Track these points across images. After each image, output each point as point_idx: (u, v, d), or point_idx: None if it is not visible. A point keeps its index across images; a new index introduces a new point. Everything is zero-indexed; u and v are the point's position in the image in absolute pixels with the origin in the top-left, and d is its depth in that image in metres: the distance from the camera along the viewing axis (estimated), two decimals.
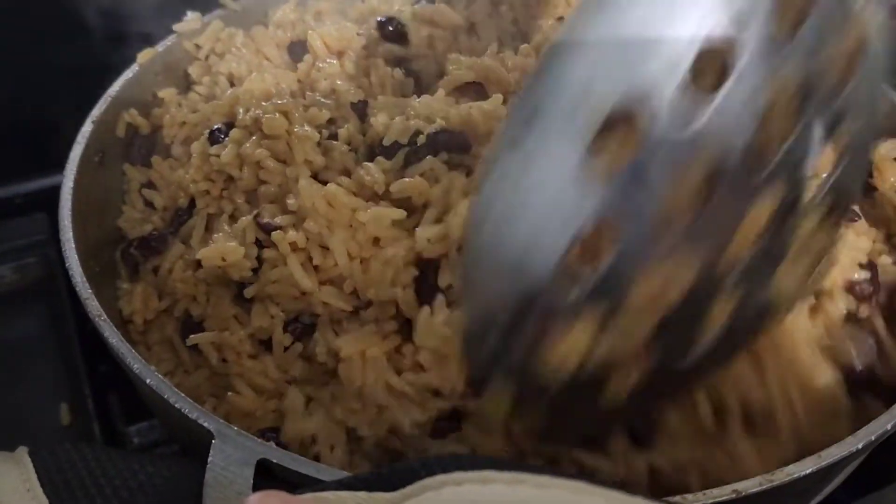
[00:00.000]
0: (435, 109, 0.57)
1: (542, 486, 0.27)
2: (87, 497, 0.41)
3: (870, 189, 0.64)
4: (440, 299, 0.51)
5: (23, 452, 0.41)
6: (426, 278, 0.52)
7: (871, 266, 0.57)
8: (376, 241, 0.53)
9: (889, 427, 0.46)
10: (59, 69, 0.83)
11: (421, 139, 0.56)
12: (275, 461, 0.43)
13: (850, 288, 0.56)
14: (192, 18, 0.73)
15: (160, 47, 0.71)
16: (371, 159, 0.57)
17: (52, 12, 0.82)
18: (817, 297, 0.55)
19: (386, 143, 0.56)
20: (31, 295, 0.81)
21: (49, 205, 0.84)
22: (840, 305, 0.55)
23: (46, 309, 0.79)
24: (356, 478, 0.35)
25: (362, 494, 0.31)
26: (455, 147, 0.56)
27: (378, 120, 0.58)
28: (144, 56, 0.69)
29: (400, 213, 0.53)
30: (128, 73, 0.68)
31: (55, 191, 0.86)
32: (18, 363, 0.74)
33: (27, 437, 0.66)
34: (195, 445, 0.46)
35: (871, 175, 0.64)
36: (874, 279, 0.57)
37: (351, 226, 0.53)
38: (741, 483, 0.43)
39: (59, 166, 0.87)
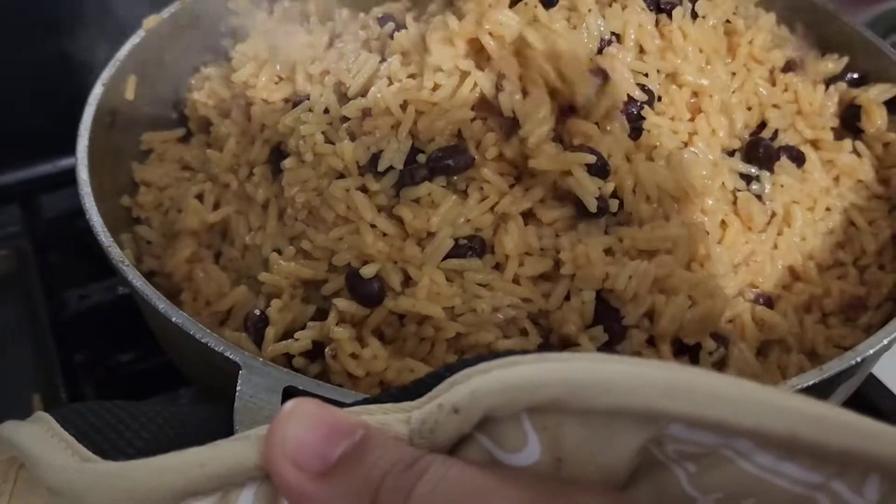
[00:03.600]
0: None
1: (565, 360, 0.28)
2: (116, 432, 0.40)
3: (858, 132, 0.66)
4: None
5: (38, 413, 0.40)
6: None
7: None
8: None
9: (886, 342, 0.48)
10: (27, 66, 0.84)
11: (421, 158, 0.56)
12: (300, 388, 0.45)
13: None
14: None
15: (165, 13, 0.72)
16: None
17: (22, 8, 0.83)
18: None
19: (381, 168, 0.56)
20: (4, 287, 0.80)
21: (21, 197, 0.87)
22: None
23: (19, 300, 0.79)
24: (382, 394, 0.35)
25: (389, 405, 0.32)
26: (456, 170, 0.55)
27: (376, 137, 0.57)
28: (150, 22, 0.71)
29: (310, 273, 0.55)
30: (134, 39, 0.69)
31: (27, 183, 0.89)
32: None
33: None
34: (220, 386, 0.47)
35: (859, 119, 0.66)
36: None
37: None
38: (798, 378, 0.46)
39: (30, 159, 0.89)
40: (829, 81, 0.69)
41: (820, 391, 0.48)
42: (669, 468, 0.29)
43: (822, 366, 0.47)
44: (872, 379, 0.65)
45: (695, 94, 0.60)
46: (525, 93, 0.55)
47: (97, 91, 0.65)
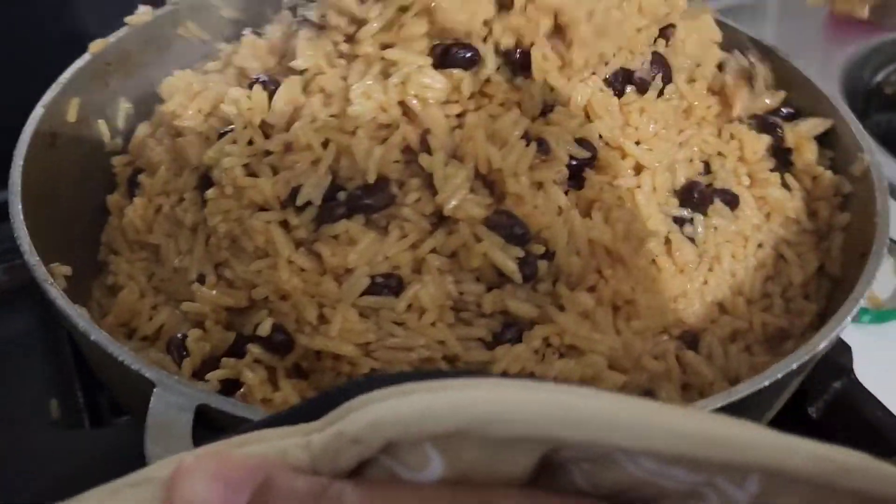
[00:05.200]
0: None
1: (461, 388, 0.28)
2: None
3: (788, 164, 0.68)
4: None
5: None
6: None
7: None
8: None
9: (795, 367, 0.49)
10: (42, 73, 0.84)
11: (342, 195, 0.57)
12: (213, 406, 0.46)
13: None
14: (143, 11, 0.75)
15: (112, 38, 0.73)
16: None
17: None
18: None
19: (299, 202, 0.57)
20: (22, 295, 0.81)
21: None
22: None
23: (37, 309, 0.80)
24: (280, 414, 0.35)
25: (287, 429, 0.32)
26: (375, 209, 0.56)
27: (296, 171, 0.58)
28: (96, 46, 0.72)
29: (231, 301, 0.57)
30: (79, 62, 0.71)
31: None
32: (8, 361, 0.76)
33: (18, 429, 0.69)
34: (139, 406, 0.48)
35: (790, 152, 0.68)
36: None
37: None
38: (706, 400, 0.48)
39: None
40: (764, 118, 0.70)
41: (736, 411, 0.49)
42: (565, 467, 0.30)
43: (731, 388, 0.48)
44: (861, 390, 0.67)
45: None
46: (454, 152, 0.57)
47: (36, 113, 0.66)
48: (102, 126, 0.73)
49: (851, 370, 0.67)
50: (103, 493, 0.30)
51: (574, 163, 0.59)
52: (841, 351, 0.67)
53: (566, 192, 0.58)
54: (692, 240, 0.61)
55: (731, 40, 0.74)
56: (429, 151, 0.56)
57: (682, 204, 0.62)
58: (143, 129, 0.72)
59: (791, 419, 0.66)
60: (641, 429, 0.27)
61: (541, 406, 0.27)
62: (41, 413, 0.72)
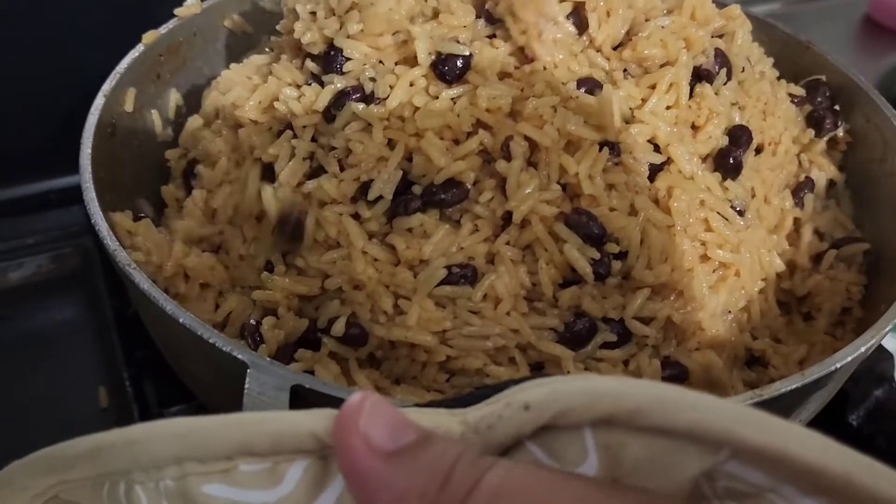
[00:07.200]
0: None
1: (643, 383, 0.28)
2: None
3: None
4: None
5: None
6: None
7: None
8: None
9: (863, 349, 0.51)
10: (89, 69, 0.84)
11: (416, 189, 0.58)
12: (307, 386, 0.47)
13: None
14: (192, 3, 0.76)
15: (163, 29, 0.74)
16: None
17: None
18: None
19: (370, 197, 0.58)
20: (69, 283, 0.84)
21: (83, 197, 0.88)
22: None
23: (84, 297, 0.82)
24: (432, 402, 0.35)
25: (440, 409, 0.31)
26: (450, 204, 0.58)
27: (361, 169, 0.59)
28: (149, 37, 0.73)
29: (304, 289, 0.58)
30: (134, 53, 0.72)
31: None
32: (57, 349, 0.78)
33: (67, 418, 0.70)
34: (224, 391, 0.49)
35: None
36: None
37: None
38: (780, 382, 0.50)
39: None
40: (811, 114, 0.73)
41: (801, 394, 0.51)
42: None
43: (804, 371, 0.50)
44: None
45: None
46: (530, 157, 0.58)
47: (98, 102, 0.67)
48: (155, 116, 0.74)
49: (893, 378, 0.69)
50: (263, 412, 0.32)
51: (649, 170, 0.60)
52: (882, 359, 0.69)
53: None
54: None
55: (771, 37, 0.77)
56: (508, 157, 0.58)
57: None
58: (194, 122, 0.73)
59: (831, 426, 0.68)
60: (818, 442, 0.26)
61: (722, 403, 0.28)
62: (90, 400, 0.73)
